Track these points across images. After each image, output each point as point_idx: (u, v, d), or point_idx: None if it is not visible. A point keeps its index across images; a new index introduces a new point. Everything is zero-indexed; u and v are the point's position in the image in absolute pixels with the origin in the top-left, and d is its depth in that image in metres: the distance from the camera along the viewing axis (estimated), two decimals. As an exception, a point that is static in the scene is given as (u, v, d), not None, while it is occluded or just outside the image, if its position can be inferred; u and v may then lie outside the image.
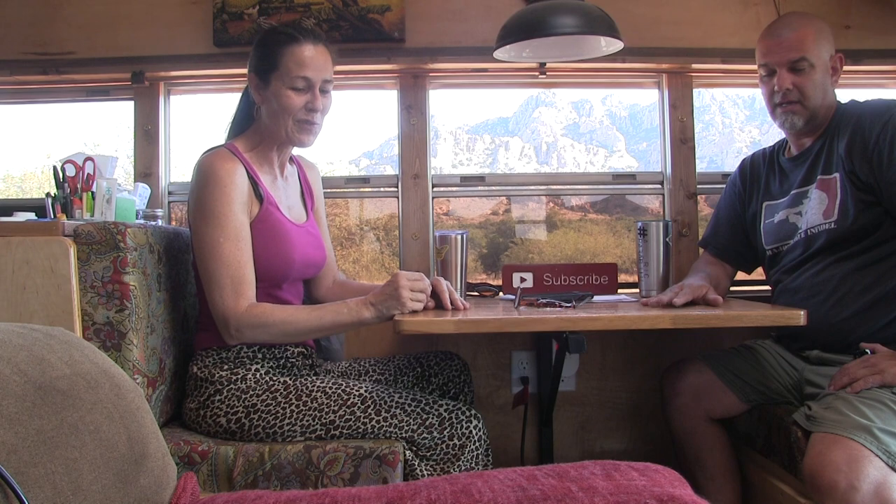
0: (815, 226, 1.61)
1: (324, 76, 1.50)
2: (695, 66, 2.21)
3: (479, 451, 1.38)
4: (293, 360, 1.51)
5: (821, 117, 1.65)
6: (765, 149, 1.86)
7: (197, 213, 1.41)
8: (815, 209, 1.62)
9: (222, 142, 1.57)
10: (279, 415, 1.38)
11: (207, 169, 1.42)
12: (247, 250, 1.41)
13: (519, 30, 1.74)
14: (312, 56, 1.49)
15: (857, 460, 1.26)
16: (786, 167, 1.75)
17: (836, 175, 1.59)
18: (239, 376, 1.42)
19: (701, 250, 1.95)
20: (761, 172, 1.82)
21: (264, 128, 1.53)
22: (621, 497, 0.76)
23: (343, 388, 1.42)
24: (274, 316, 1.38)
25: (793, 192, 1.70)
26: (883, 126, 1.52)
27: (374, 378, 1.65)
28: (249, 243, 1.42)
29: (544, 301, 1.58)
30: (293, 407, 1.39)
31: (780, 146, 1.81)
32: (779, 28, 1.66)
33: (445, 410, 1.38)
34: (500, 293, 2.00)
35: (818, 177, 1.64)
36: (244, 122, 1.59)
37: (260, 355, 1.46)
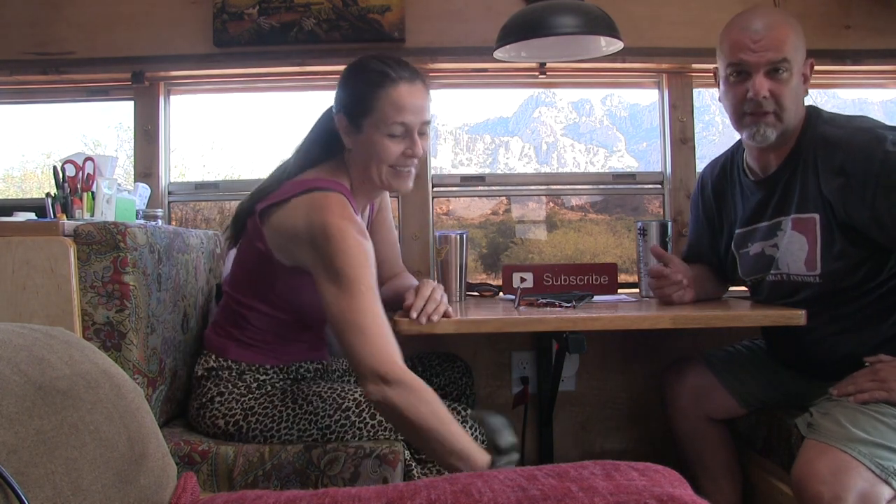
0: (797, 274, 1.49)
1: (423, 118, 1.36)
2: (695, 66, 2.21)
3: None
4: (307, 375, 1.50)
5: (790, 131, 1.46)
6: (723, 160, 1.69)
7: (329, 276, 1.24)
8: (794, 254, 1.48)
9: (315, 176, 1.39)
10: (276, 418, 1.38)
11: (336, 228, 1.24)
12: (380, 307, 1.25)
13: (519, 30, 1.74)
14: (411, 97, 1.33)
15: (843, 471, 1.25)
16: (749, 190, 1.59)
17: (816, 216, 1.43)
18: (245, 383, 1.41)
19: None
20: (726, 189, 1.67)
21: (357, 169, 1.42)
22: (621, 497, 0.76)
23: (339, 392, 1.41)
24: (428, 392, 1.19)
25: (763, 224, 1.55)
26: (881, 164, 1.32)
27: None
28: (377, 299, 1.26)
29: (544, 301, 1.58)
30: (290, 411, 1.38)
31: (739, 160, 1.62)
32: (752, 21, 1.43)
33: None
34: (500, 293, 2.00)
35: (792, 214, 1.47)
36: (326, 150, 1.45)
37: (272, 372, 1.44)
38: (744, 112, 1.45)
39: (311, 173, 1.41)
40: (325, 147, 1.45)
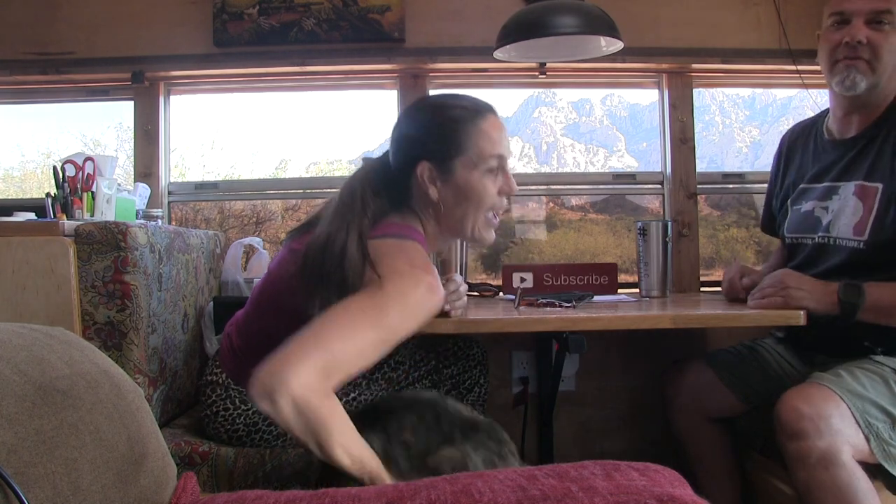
0: (842, 238, 1.48)
1: (509, 151, 1.27)
2: (695, 66, 2.21)
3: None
4: None
5: (880, 92, 1.43)
6: (806, 122, 1.70)
7: (366, 302, 1.06)
8: (847, 216, 1.48)
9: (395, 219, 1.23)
10: (280, 435, 1.37)
11: (408, 274, 1.08)
12: (376, 355, 1.07)
13: (519, 30, 1.74)
14: (499, 128, 1.24)
15: (829, 401, 1.26)
16: (824, 149, 1.58)
17: (880, 186, 1.43)
18: (249, 404, 1.38)
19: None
20: (797, 146, 1.67)
21: (439, 222, 1.27)
22: (621, 497, 0.76)
23: (343, 402, 1.39)
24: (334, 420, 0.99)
25: (825, 184, 1.55)
26: None
27: (386, 375, 1.60)
28: (383, 352, 1.08)
29: (544, 301, 1.58)
30: None
31: (821, 123, 1.62)
32: None
33: None
34: (500, 293, 2.00)
35: (859, 181, 1.47)
36: (390, 204, 1.24)
37: None
38: (836, 59, 1.42)
39: (382, 223, 1.22)
40: (388, 200, 1.24)
